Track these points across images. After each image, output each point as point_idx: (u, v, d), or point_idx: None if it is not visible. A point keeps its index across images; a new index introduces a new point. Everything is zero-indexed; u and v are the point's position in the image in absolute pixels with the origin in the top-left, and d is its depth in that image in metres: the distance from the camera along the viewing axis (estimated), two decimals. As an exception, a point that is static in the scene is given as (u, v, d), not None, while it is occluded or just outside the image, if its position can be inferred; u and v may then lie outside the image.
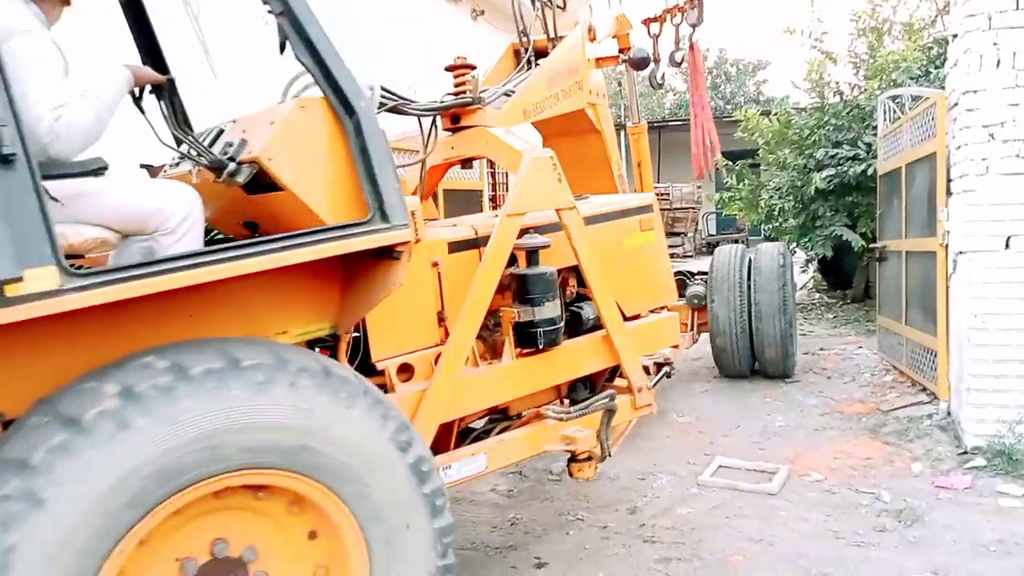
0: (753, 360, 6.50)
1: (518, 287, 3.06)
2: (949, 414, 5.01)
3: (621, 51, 4.49)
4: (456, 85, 3.39)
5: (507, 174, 10.08)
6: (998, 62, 4.27)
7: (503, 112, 3.43)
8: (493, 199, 9.86)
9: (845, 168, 8.78)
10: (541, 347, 3.06)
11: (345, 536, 2.13)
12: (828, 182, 8.85)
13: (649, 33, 5.10)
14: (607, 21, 4.36)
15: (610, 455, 3.35)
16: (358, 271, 2.43)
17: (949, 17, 5.10)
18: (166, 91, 2.60)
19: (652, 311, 3.84)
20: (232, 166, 2.28)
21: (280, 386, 1.97)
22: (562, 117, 3.81)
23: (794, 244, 10.07)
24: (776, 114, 10.16)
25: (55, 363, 1.94)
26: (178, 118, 2.61)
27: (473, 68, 3.35)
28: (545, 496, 4.23)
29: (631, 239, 3.71)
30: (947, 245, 4.91)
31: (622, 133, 5.81)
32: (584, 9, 4.12)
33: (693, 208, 20.41)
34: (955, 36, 4.70)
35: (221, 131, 2.49)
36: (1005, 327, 4.30)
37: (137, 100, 2.48)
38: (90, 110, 2.17)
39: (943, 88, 5.23)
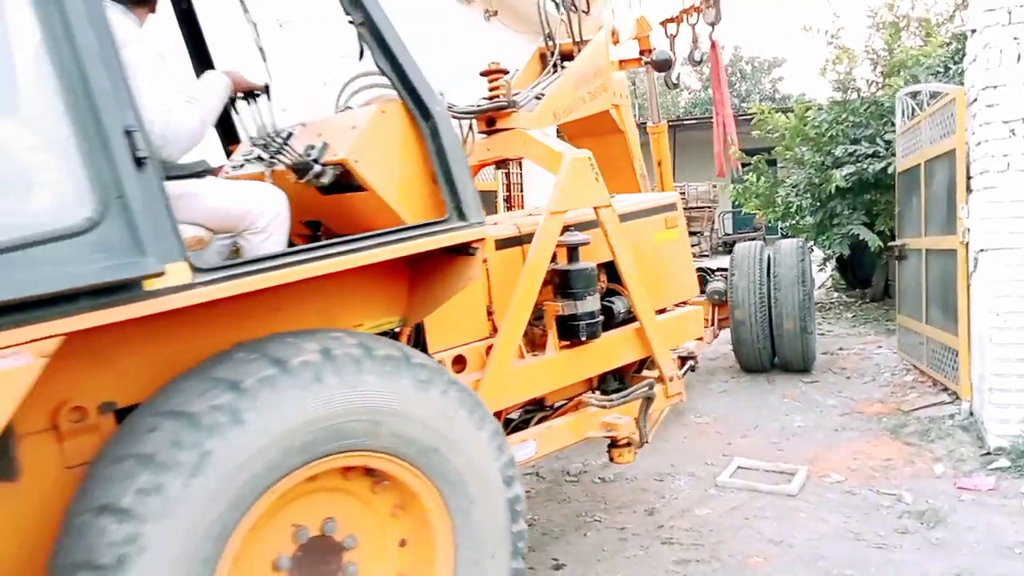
0: (773, 355, 6.63)
1: (560, 282, 3.18)
2: (971, 414, 4.95)
3: (641, 52, 4.61)
4: (490, 89, 3.50)
5: (521, 176, 10.09)
6: (1019, 56, 4.21)
7: (535, 115, 3.51)
8: (508, 199, 9.87)
9: (864, 165, 8.69)
10: (583, 339, 3.18)
11: (430, 512, 2.24)
12: (848, 180, 8.77)
13: (666, 33, 5.13)
14: (628, 23, 4.45)
15: (648, 441, 3.50)
16: (424, 267, 2.54)
17: (967, 12, 5.04)
18: (258, 96, 2.71)
19: (676, 305, 3.99)
20: (317, 168, 2.40)
21: (402, 375, 2.12)
22: (587, 118, 3.92)
23: (811, 242, 9.99)
24: (793, 110, 10.09)
25: (163, 355, 2.03)
26: (265, 122, 2.72)
27: (506, 72, 3.47)
28: (562, 497, 4.22)
29: (657, 236, 3.87)
30: (967, 243, 4.85)
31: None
32: (607, 12, 4.18)
33: (709, 207, 20.31)
34: (974, 31, 4.64)
35: (290, 134, 2.59)
36: (1028, 326, 4.24)
37: (232, 104, 2.62)
38: (195, 115, 2.34)
39: (962, 84, 5.17)
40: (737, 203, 11.73)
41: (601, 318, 3.28)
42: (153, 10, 2.55)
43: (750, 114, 10.45)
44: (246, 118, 2.70)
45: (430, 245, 2.35)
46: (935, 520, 3.62)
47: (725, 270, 6.68)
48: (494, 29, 9.59)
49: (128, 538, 1.64)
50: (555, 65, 3.88)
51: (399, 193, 2.48)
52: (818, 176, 9.42)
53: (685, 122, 22.11)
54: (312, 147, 2.44)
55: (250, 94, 2.66)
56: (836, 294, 11.68)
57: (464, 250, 2.45)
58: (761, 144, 10.80)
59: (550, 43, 3.93)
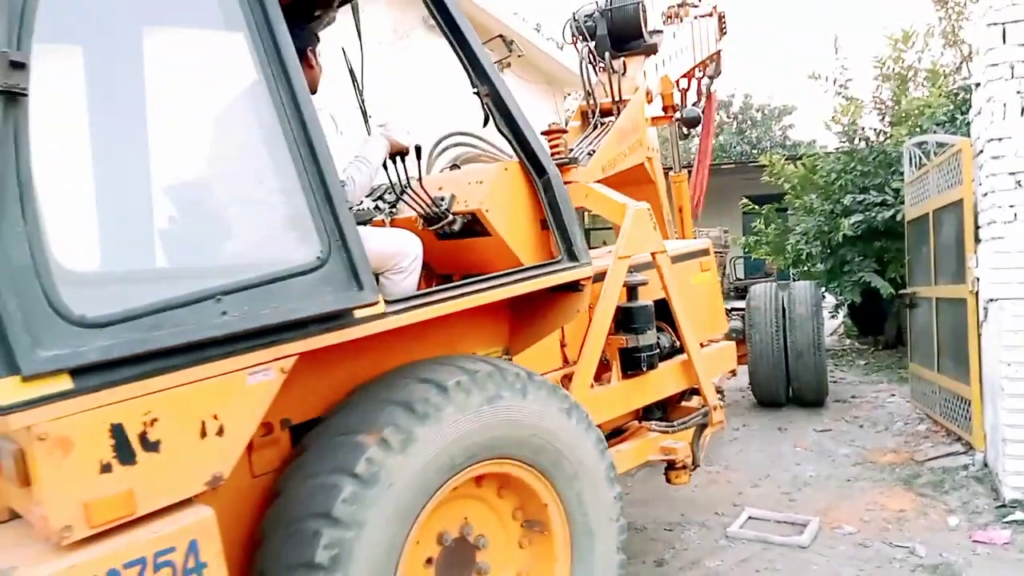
0: (787, 389, 7.07)
1: (623, 318, 3.48)
2: (986, 465, 4.89)
3: (664, 108, 5.00)
4: (552, 147, 3.71)
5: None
6: (1022, 110, 4.27)
7: (588, 169, 3.81)
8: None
9: (873, 214, 8.73)
10: (644, 369, 3.50)
11: (550, 511, 2.56)
12: (856, 228, 8.80)
13: (678, 87, 5.36)
14: (655, 82, 4.81)
15: (699, 464, 3.83)
16: (528, 303, 2.85)
17: (973, 64, 5.13)
18: (407, 155, 3.00)
19: (710, 341, 4.32)
20: (450, 216, 2.82)
21: (524, 392, 2.45)
22: (625, 170, 4.23)
23: (823, 288, 9.98)
24: (802, 160, 10.17)
25: (327, 378, 2.28)
26: (408, 176, 2.98)
27: (565, 132, 3.81)
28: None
29: (695, 277, 4.27)
30: (977, 292, 4.86)
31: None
32: (640, 74, 4.52)
33: (721, 252, 20.33)
34: (978, 84, 4.72)
35: (404, 188, 2.94)
36: (1040, 376, 4.22)
37: (385, 163, 2.91)
38: (364, 172, 2.72)
39: (968, 135, 5.23)
40: (748, 250, 11.78)
41: (658, 350, 3.62)
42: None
43: (762, 164, 10.56)
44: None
45: (551, 282, 2.73)
46: (949, 575, 3.56)
47: (741, 310, 7.17)
48: (506, 79, 9.78)
49: (338, 542, 1.92)
50: (595, 124, 4.24)
51: (517, 238, 2.89)
52: (827, 224, 9.47)
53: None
54: (441, 199, 2.82)
55: (399, 154, 2.95)
56: (849, 341, 11.61)
57: (574, 287, 2.82)
58: (770, 192, 10.88)
59: (591, 101, 4.29)
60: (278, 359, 1.92)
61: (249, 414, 1.90)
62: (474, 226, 2.84)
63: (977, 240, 4.83)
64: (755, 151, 24.05)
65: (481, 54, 2.71)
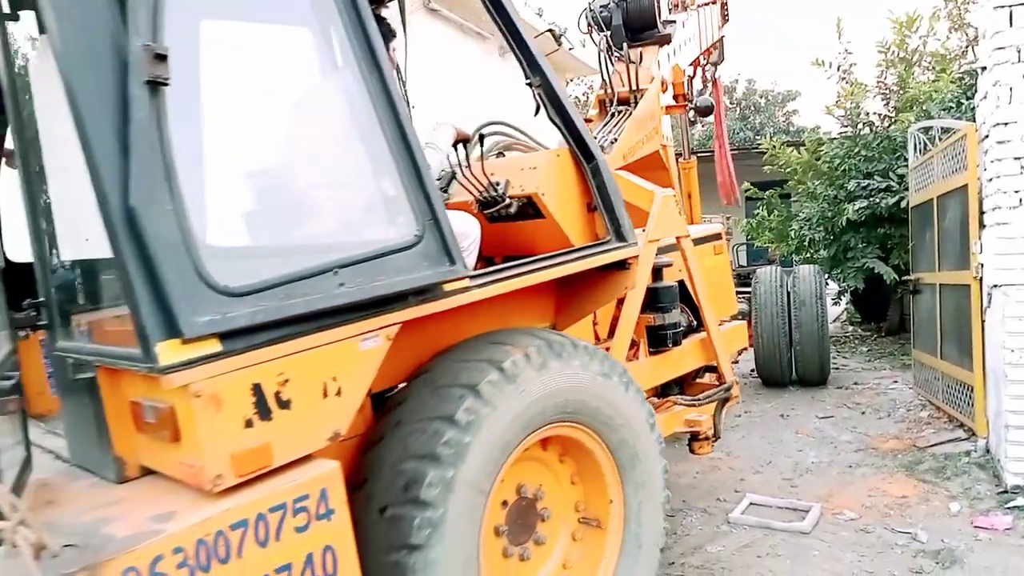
0: (791, 369, 7.34)
1: (651, 298, 3.66)
2: (988, 451, 4.88)
3: (675, 97, 5.15)
4: None
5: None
6: (1028, 94, 4.23)
7: (611, 157, 3.87)
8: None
9: (877, 199, 8.69)
10: (670, 346, 3.72)
11: (605, 472, 2.81)
12: (860, 214, 8.76)
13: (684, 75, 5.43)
14: (667, 71, 4.95)
15: (720, 436, 4.12)
16: (574, 281, 3.01)
17: (979, 48, 5.07)
18: (470, 142, 3.21)
19: (723, 320, 4.55)
20: (507, 200, 3.00)
21: (590, 361, 2.67)
22: (641, 158, 4.31)
23: (827, 275, 9.96)
24: (805, 144, 10.11)
25: (403, 348, 2.36)
26: (471, 162, 3.13)
27: (590, 120, 3.94)
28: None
29: (710, 260, 4.54)
30: (981, 278, 4.84)
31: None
32: (655, 65, 4.62)
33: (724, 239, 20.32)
34: (984, 68, 4.68)
35: (453, 174, 3.16)
36: (1043, 362, 4.21)
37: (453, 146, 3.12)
38: (435, 158, 2.95)
39: (974, 120, 5.19)
40: (750, 236, 11.74)
41: (682, 328, 3.84)
42: None
43: (763, 150, 10.50)
44: None
45: (604, 260, 2.95)
46: (950, 560, 3.56)
47: (746, 293, 7.47)
48: (508, 66, 9.74)
49: (439, 480, 2.16)
50: (612, 114, 4.34)
51: (568, 220, 3.08)
52: (831, 210, 9.43)
53: (700, 155, 22.17)
54: (497, 183, 3.00)
55: (461, 141, 3.14)
56: (852, 327, 11.60)
57: (621, 265, 3.04)
58: (773, 178, 10.83)
59: (609, 91, 4.41)
60: (384, 327, 2.14)
61: (361, 377, 2.12)
62: (527, 209, 3.04)
63: (982, 226, 4.81)
64: (758, 137, 23.93)
65: (534, 48, 2.91)
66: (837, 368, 8.26)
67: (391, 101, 2.21)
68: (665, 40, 4.76)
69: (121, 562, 1.59)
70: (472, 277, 2.39)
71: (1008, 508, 4.12)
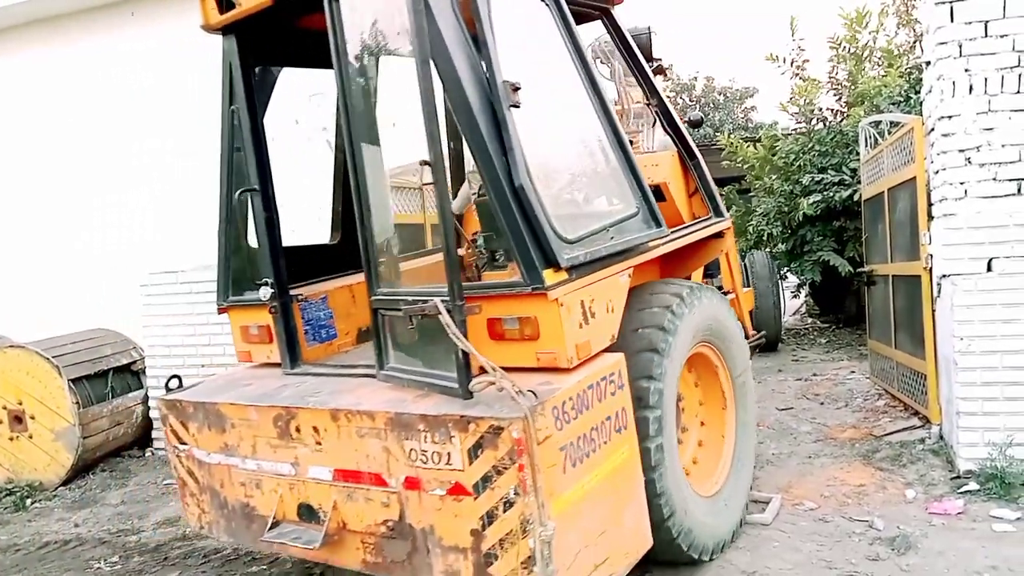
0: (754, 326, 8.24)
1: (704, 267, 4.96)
2: (942, 438, 4.99)
3: None
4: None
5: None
6: (970, 88, 4.33)
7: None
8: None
9: (831, 193, 8.85)
10: None
11: (722, 381, 3.99)
12: (815, 207, 8.91)
13: None
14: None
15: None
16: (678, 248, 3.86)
17: (924, 43, 5.18)
18: None
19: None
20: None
21: (714, 297, 3.84)
22: None
23: (785, 269, 10.10)
24: (761, 140, 10.25)
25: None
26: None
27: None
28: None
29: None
30: (931, 269, 4.94)
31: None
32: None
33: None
34: (928, 63, 4.78)
35: None
36: (990, 349, 4.30)
37: None
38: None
39: (922, 113, 5.30)
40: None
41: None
42: None
43: (721, 146, 10.62)
44: None
45: (712, 230, 4.19)
46: (906, 546, 3.62)
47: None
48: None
49: (664, 339, 3.29)
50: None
51: (682, 202, 4.53)
52: (787, 204, 9.57)
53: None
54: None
55: None
56: (810, 320, 11.78)
57: (719, 234, 4.28)
58: (731, 174, 10.95)
59: (624, 107, 5.68)
60: (627, 268, 3.18)
61: (620, 300, 3.15)
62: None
63: (930, 217, 4.90)
64: (718, 134, 24.13)
65: (652, 78, 4.13)
66: (796, 360, 8.38)
67: (605, 108, 3.37)
68: (661, 71, 5.84)
69: (554, 400, 2.59)
70: (664, 233, 3.46)
71: (960, 493, 4.21)
